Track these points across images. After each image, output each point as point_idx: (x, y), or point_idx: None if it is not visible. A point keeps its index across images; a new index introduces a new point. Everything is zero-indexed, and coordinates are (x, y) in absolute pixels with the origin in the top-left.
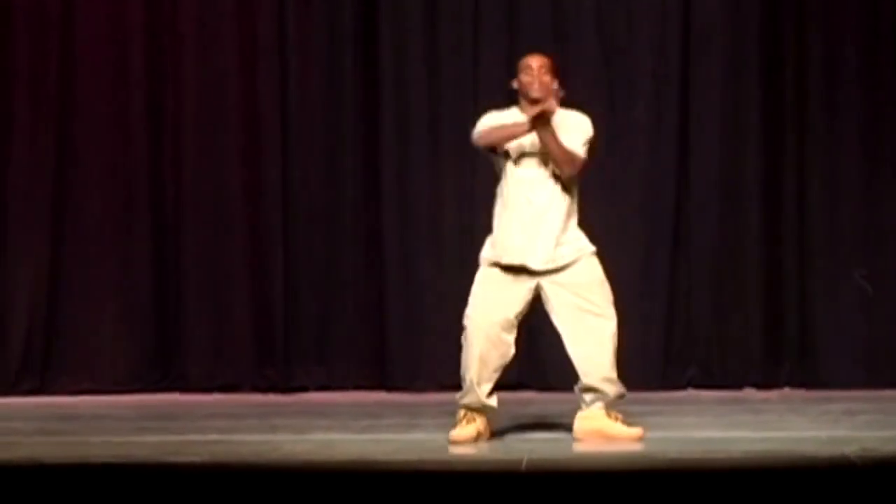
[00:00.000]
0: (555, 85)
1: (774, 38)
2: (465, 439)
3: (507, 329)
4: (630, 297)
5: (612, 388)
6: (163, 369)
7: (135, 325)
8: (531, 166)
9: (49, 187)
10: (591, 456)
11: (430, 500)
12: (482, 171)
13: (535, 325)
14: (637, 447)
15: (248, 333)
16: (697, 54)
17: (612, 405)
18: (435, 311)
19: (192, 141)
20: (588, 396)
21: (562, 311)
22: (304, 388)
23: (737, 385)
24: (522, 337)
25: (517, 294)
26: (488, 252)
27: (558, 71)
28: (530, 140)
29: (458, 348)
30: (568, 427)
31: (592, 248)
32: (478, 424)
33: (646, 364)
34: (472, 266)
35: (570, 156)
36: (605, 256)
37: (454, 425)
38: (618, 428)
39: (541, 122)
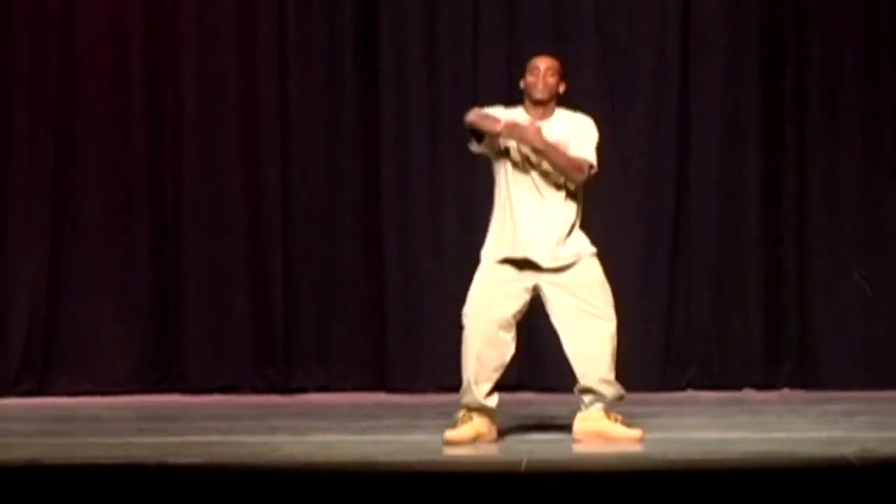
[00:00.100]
0: (561, 88)
1: (774, 39)
2: (459, 440)
3: (504, 328)
4: (630, 298)
5: (610, 390)
6: (162, 370)
7: (134, 325)
8: (534, 168)
9: (49, 187)
10: (590, 457)
11: (429, 502)
12: (482, 171)
13: (535, 326)
14: (637, 448)
15: (247, 334)
16: (697, 54)
17: (612, 406)
18: (435, 311)
19: (191, 141)
20: (587, 398)
21: (561, 312)
22: (304, 389)
23: (736, 386)
24: (522, 338)
25: (515, 293)
26: (494, 248)
27: (565, 73)
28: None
29: (458, 349)
30: (567, 428)
31: (593, 250)
32: (476, 425)
33: (645, 365)
34: (472, 266)
35: (576, 164)
36: (605, 257)
37: (454, 425)
38: (617, 429)
39: (528, 138)
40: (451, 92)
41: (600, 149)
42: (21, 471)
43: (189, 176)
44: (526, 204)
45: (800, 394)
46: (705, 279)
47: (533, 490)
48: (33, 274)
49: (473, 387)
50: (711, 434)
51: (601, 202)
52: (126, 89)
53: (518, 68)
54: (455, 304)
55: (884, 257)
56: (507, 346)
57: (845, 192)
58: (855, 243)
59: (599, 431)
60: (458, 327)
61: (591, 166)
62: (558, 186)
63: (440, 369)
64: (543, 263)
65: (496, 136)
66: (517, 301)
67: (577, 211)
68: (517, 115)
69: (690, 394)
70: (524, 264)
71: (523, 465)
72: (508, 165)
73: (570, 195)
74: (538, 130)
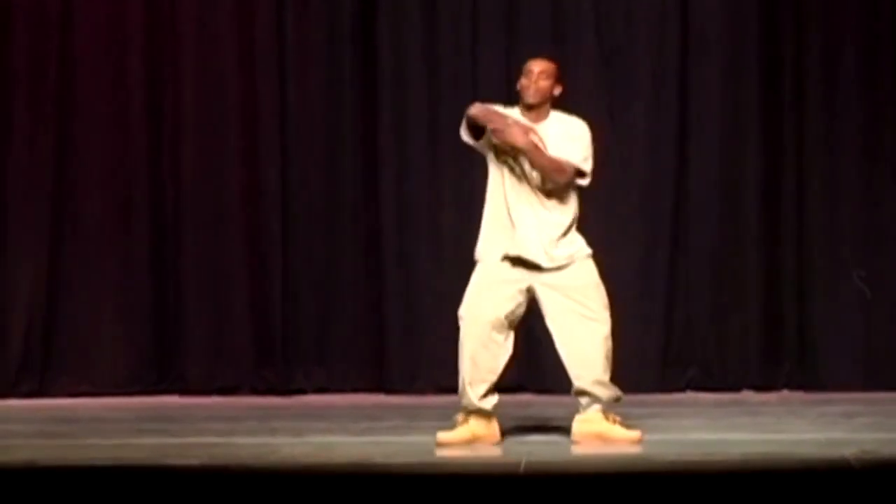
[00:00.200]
0: (556, 90)
1: (774, 38)
2: (450, 442)
3: (497, 329)
4: (629, 298)
5: (605, 392)
6: (161, 371)
7: (134, 326)
8: (528, 167)
9: (48, 188)
10: (589, 458)
11: (428, 503)
12: (481, 171)
13: (533, 328)
14: (636, 449)
15: (247, 335)
16: (696, 54)
17: (610, 408)
18: (434, 312)
19: (191, 141)
20: (583, 400)
21: (555, 314)
22: (303, 391)
23: (735, 387)
24: (521, 340)
25: (510, 294)
26: (489, 246)
27: (560, 76)
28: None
29: (457, 350)
30: (566, 430)
31: (588, 251)
32: (472, 427)
33: (644, 366)
34: (471, 267)
35: (557, 166)
36: (605, 257)
37: (452, 427)
38: (616, 430)
39: (510, 137)
40: (451, 92)
41: (597, 153)
42: (20, 472)
43: (188, 176)
44: (521, 203)
45: (799, 395)
46: (705, 280)
47: (532, 491)
48: (33, 274)
49: (468, 388)
50: (710, 435)
51: (601, 202)
52: (125, 89)
53: (517, 69)
54: (454, 305)
55: (883, 258)
56: (500, 348)
57: (845, 193)
58: (854, 244)
59: (598, 433)
60: (457, 328)
61: (576, 170)
62: (552, 188)
63: (439, 370)
64: (538, 263)
65: (495, 135)
66: (511, 302)
67: (573, 213)
68: (513, 115)
69: (689, 395)
70: (520, 264)
71: (522, 466)
72: (505, 164)
73: (565, 197)
74: (523, 130)
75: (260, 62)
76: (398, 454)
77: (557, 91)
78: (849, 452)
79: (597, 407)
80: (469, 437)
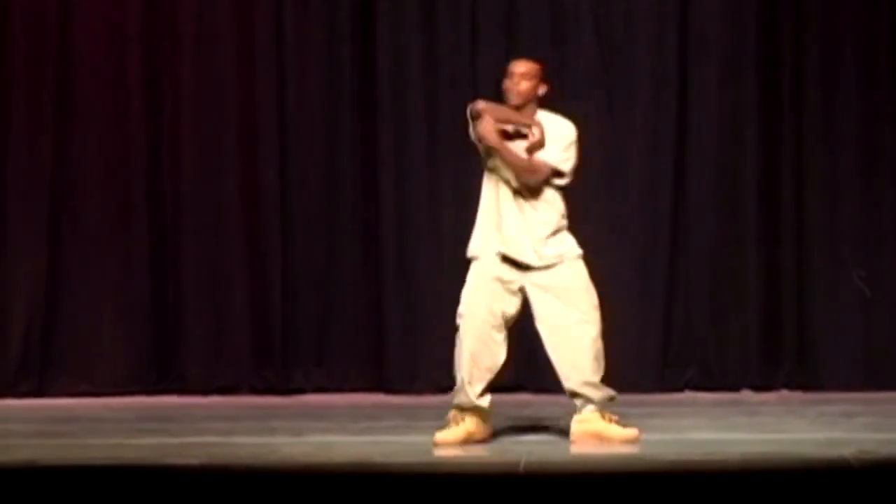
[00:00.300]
0: (541, 90)
1: (773, 39)
2: (449, 441)
3: (496, 328)
4: (628, 298)
5: (596, 393)
6: (161, 371)
7: (133, 326)
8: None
9: (47, 189)
10: (588, 458)
11: (428, 503)
12: (481, 171)
13: (532, 328)
14: (633, 448)
15: (246, 335)
16: (695, 55)
17: (606, 407)
18: (433, 312)
19: (190, 142)
20: (577, 401)
21: (545, 315)
22: (303, 390)
23: (735, 387)
24: (520, 340)
25: (506, 293)
26: (482, 243)
27: (544, 75)
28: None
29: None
30: (565, 429)
31: (579, 252)
32: (467, 426)
33: (644, 366)
34: (469, 267)
35: (529, 166)
36: (604, 257)
37: (446, 426)
38: (613, 429)
39: (490, 138)
40: (450, 92)
41: (581, 154)
42: (20, 471)
43: (188, 177)
44: (509, 202)
45: (798, 395)
46: (704, 280)
47: (531, 491)
48: (32, 275)
49: (467, 387)
50: (710, 435)
51: (600, 202)
52: (124, 90)
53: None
54: (453, 305)
55: (883, 258)
56: (499, 347)
57: (844, 193)
58: (854, 244)
59: (595, 432)
60: (456, 328)
61: (553, 170)
62: (528, 187)
63: (439, 370)
64: (527, 261)
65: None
66: (507, 301)
67: (559, 212)
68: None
69: (689, 395)
70: (511, 264)
71: (521, 465)
72: (495, 163)
73: (549, 196)
74: (490, 132)
75: (259, 62)
76: (397, 454)
77: (542, 91)
78: (848, 452)
79: (592, 407)
80: (465, 437)
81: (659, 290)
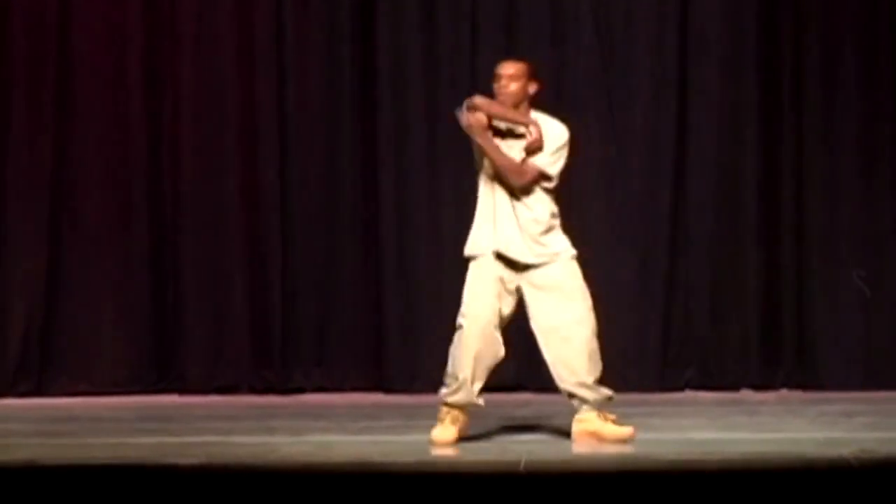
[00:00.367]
0: (531, 89)
1: (773, 39)
2: (448, 441)
3: (497, 327)
4: (628, 298)
5: (590, 394)
6: (160, 370)
7: (133, 326)
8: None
9: (47, 189)
10: (589, 457)
11: (428, 502)
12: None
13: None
14: (628, 446)
15: (245, 335)
16: (695, 54)
17: (603, 406)
18: (433, 312)
19: (189, 142)
20: (574, 401)
21: (539, 315)
22: (302, 390)
23: (734, 386)
24: (521, 339)
25: (504, 292)
26: (477, 241)
27: (533, 74)
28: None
29: None
30: (566, 428)
31: (573, 252)
32: (460, 424)
33: (644, 365)
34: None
35: (514, 167)
36: (604, 257)
37: (443, 423)
38: (608, 428)
39: (477, 131)
40: (450, 92)
41: (571, 156)
42: (19, 471)
43: (188, 176)
44: (505, 200)
45: (798, 394)
46: (704, 279)
47: (532, 490)
48: (32, 275)
49: (468, 385)
50: (709, 434)
51: (600, 202)
52: (124, 90)
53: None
54: (453, 305)
55: (882, 258)
56: (500, 345)
57: (844, 193)
58: (854, 244)
59: (592, 432)
60: (457, 327)
61: (540, 173)
62: (532, 188)
63: (438, 370)
64: (522, 259)
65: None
66: (504, 301)
67: (549, 212)
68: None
69: (689, 394)
70: (508, 263)
71: (522, 465)
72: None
73: (540, 196)
74: (480, 125)
75: (259, 62)
76: (397, 453)
77: (533, 89)
78: (848, 452)
79: (588, 406)
80: (459, 435)
81: (659, 289)
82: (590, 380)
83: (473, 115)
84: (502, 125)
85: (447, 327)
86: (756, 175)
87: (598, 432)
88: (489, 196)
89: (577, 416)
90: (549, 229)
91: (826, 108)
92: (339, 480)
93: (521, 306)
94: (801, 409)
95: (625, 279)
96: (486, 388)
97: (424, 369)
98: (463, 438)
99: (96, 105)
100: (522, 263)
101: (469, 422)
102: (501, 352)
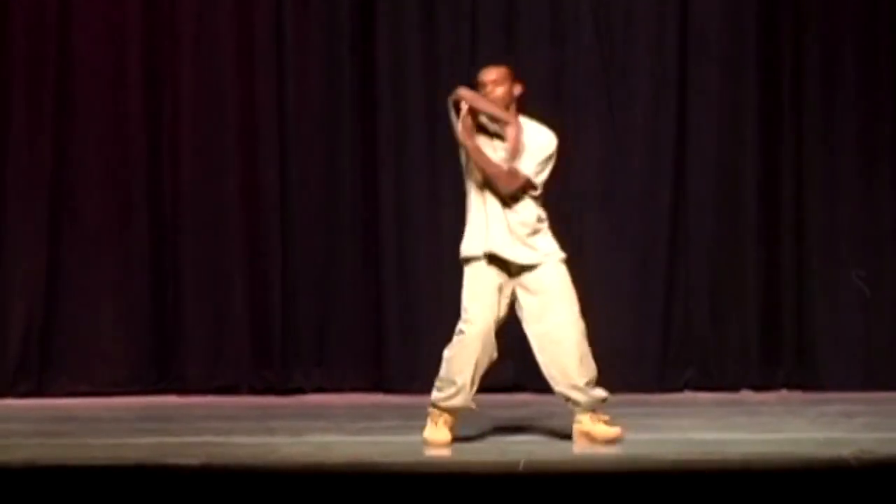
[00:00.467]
0: (516, 90)
1: (773, 39)
2: (443, 442)
3: (495, 332)
4: (628, 299)
5: (581, 396)
6: (160, 371)
7: (133, 326)
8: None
9: (47, 189)
10: (588, 457)
11: (427, 502)
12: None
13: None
14: (620, 446)
15: (245, 335)
16: (695, 54)
17: (599, 408)
18: (433, 312)
19: (189, 142)
20: (568, 403)
21: (530, 319)
22: (302, 390)
23: (734, 387)
24: (519, 339)
25: (500, 296)
26: (471, 244)
27: (515, 76)
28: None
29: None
30: (564, 429)
31: (562, 255)
32: (452, 426)
33: (643, 366)
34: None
35: (501, 174)
36: (604, 257)
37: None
38: (599, 429)
39: (469, 140)
40: (449, 92)
41: (558, 164)
42: (19, 471)
43: (188, 176)
44: (493, 203)
45: (798, 395)
46: (703, 280)
47: (531, 491)
48: (32, 275)
49: (467, 391)
50: (709, 435)
51: (599, 203)
52: (124, 90)
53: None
54: (453, 305)
55: (883, 258)
56: (495, 349)
57: (844, 193)
58: (854, 244)
59: (584, 432)
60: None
61: (526, 180)
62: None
63: (438, 370)
64: (515, 260)
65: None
66: (502, 305)
67: (535, 215)
68: None
69: (688, 395)
70: (500, 267)
71: (522, 465)
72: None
73: (526, 200)
74: (468, 130)
75: (259, 62)
76: (396, 454)
77: (517, 91)
78: (848, 452)
79: (581, 408)
80: (452, 437)
81: (659, 290)
82: (581, 382)
83: (461, 124)
84: (490, 127)
85: (447, 327)
86: (756, 175)
87: (590, 433)
88: (479, 199)
89: (574, 418)
90: (535, 231)
91: (826, 108)
92: (338, 480)
93: (513, 309)
94: (801, 409)
95: (625, 279)
96: (486, 389)
97: (424, 370)
98: (460, 439)
99: (96, 105)
100: (516, 266)
101: (459, 422)
102: (496, 354)
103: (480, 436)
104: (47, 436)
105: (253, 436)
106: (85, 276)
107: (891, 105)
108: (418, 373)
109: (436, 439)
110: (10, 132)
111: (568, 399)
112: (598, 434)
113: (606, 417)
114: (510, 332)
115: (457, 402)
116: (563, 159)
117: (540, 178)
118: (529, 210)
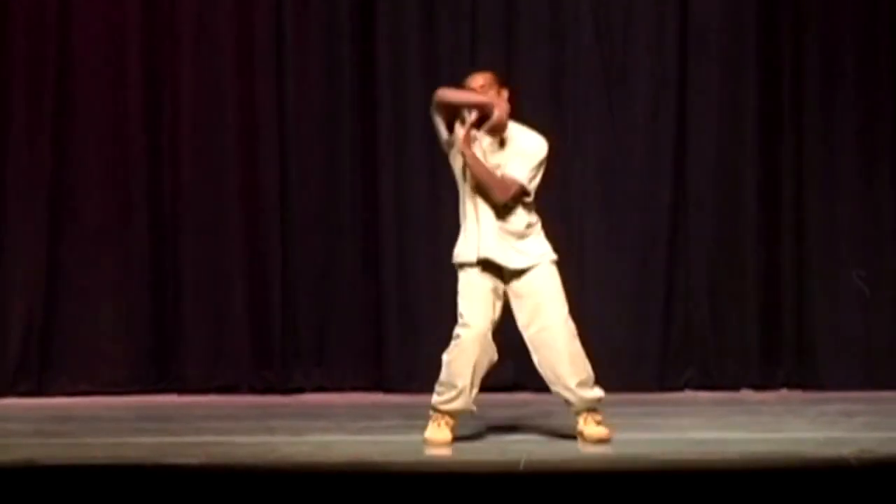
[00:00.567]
0: (504, 95)
1: (773, 39)
2: (444, 441)
3: (492, 332)
4: (628, 298)
5: (573, 396)
6: (160, 370)
7: (133, 326)
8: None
9: (47, 188)
10: (588, 457)
11: (428, 502)
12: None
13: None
14: (604, 447)
15: (245, 335)
16: (695, 55)
17: (593, 407)
18: (432, 312)
19: (189, 142)
20: (565, 403)
21: (522, 321)
22: (302, 390)
23: (734, 386)
24: (519, 339)
25: (495, 299)
26: (463, 249)
27: (501, 80)
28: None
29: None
30: (564, 428)
31: (553, 257)
32: (452, 427)
33: (643, 365)
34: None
35: (498, 183)
36: (604, 257)
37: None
38: (589, 429)
39: (468, 151)
40: None
41: (549, 169)
42: (19, 471)
43: (187, 176)
44: (485, 208)
45: (798, 394)
46: (703, 279)
47: (531, 490)
48: (31, 274)
49: (467, 394)
50: (709, 434)
51: (599, 203)
52: (124, 90)
53: (517, 69)
54: (452, 305)
55: (882, 257)
56: (494, 351)
57: (844, 193)
58: (854, 243)
59: (578, 432)
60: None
61: (521, 188)
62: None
63: (437, 370)
64: (506, 264)
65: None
66: (496, 307)
67: (525, 220)
68: None
69: (688, 394)
70: (493, 271)
71: (522, 464)
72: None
73: (517, 207)
74: (465, 141)
75: (259, 62)
76: (397, 453)
77: (504, 95)
78: (848, 451)
79: (576, 408)
80: (453, 438)
81: (659, 290)
82: (572, 383)
83: (459, 136)
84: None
85: (446, 327)
86: (756, 175)
87: (582, 432)
88: (472, 205)
89: (574, 418)
90: (524, 235)
91: (826, 108)
92: (338, 480)
93: (509, 310)
94: (801, 409)
95: (625, 279)
96: (486, 389)
97: (424, 369)
98: (461, 438)
99: (96, 105)
100: (508, 270)
101: (459, 423)
102: (496, 356)
103: (480, 435)
104: (47, 435)
105: (253, 435)
106: (85, 275)
107: (891, 105)
108: (418, 373)
109: (435, 438)
110: (10, 132)
111: (563, 399)
112: (589, 434)
113: (599, 417)
114: (510, 332)
115: (457, 405)
116: (562, 159)
117: (532, 185)
118: (520, 216)
